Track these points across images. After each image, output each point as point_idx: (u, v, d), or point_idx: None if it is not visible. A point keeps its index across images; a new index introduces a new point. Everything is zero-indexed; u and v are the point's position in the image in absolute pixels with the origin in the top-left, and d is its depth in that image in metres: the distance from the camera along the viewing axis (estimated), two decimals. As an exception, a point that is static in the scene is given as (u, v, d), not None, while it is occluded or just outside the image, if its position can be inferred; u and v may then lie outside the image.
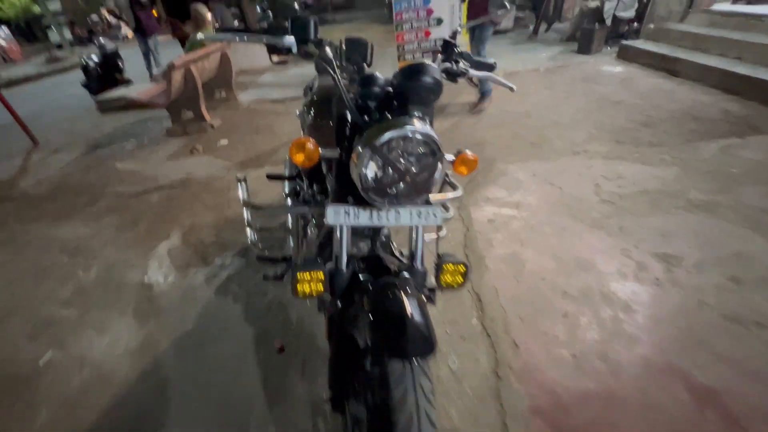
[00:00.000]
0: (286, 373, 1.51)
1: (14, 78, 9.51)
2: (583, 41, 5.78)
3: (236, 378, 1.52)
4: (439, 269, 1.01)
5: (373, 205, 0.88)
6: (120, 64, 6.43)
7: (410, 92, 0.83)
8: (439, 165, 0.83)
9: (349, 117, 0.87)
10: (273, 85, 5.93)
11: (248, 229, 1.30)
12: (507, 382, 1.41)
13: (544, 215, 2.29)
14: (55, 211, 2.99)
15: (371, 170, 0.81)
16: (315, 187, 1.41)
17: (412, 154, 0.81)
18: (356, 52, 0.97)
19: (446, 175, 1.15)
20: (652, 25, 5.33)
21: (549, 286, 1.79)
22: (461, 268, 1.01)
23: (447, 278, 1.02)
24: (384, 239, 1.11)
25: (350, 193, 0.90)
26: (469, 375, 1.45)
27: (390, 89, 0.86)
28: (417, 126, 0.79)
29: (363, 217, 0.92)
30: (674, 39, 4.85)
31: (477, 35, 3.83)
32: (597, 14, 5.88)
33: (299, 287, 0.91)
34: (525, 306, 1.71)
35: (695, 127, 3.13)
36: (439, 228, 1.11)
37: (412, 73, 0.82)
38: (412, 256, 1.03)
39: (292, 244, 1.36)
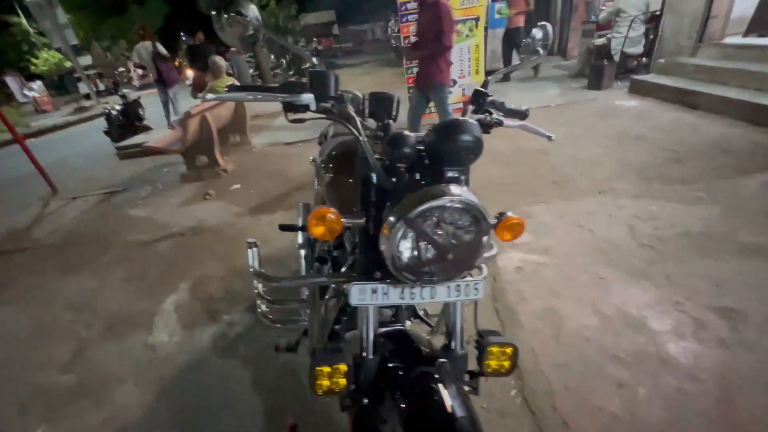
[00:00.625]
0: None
1: (43, 127, 10.02)
2: (592, 77, 5.79)
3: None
4: (482, 352, 0.85)
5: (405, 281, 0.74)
6: (140, 111, 6.70)
7: (446, 153, 0.71)
8: (485, 238, 0.70)
9: (374, 179, 0.76)
10: (287, 128, 6.04)
11: (258, 301, 1.17)
12: (561, 475, 1.18)
13: (577, 262, 2.11)
14: (65, 262, 2.93)
15: (405, 247, 0.68)
16: (334, 243, 1.28)
17: (452, 224, 0.69)
18: (380, 106, 0.87)
19: None
20: (662, 60, 5.33)
21: (595, 349, 1.58)
22: (508, 350, 0.85)
23: (492, 363, 0.86)
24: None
25: (377, 267, 0.77)
26: (515, 465, 1.22)
27: (421, 148, 0.75)
28: (457, 192, 0.66)
29: (393, 296, 0.78)
30: (688, 72, 4.80)
31: (434, 97, 3.38)
32: (604, 51, 5.94)
33: (318, 384, 0.75)
34: (570, 374, 1.49)
35: (728, 162, 2.97)
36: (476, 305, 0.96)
37: (448, 130, 0.70)
38: (449, 336, 0.87)
39: (307, 313, 1.22)
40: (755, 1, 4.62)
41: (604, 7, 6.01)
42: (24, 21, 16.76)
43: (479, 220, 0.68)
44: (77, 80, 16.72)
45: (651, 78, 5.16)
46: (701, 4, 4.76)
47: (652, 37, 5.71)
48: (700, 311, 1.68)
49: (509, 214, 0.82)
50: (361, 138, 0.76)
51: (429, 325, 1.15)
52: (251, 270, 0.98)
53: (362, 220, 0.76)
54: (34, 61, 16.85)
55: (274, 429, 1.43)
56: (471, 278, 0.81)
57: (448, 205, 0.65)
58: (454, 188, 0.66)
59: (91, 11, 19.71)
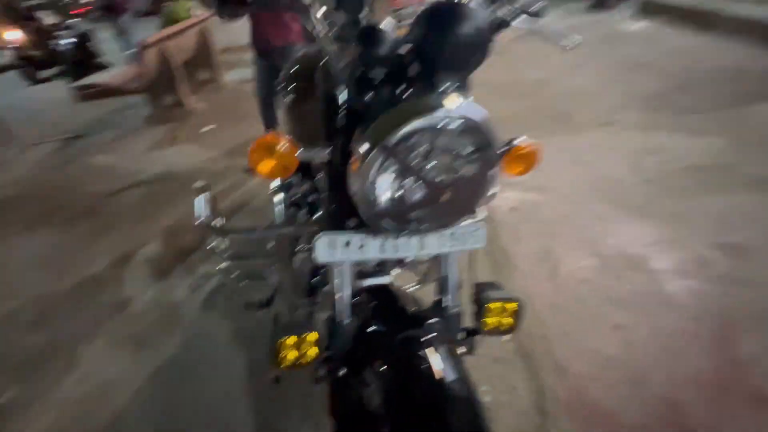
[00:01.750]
0: (287, 412, 1.25)
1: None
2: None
3: (225, 420, 1.26)
4: (480, 308, 0.72)
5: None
6: (94, 46, 5.96)
7: (438, 51, 0.50)
8: (492, 171, 0.52)
9: (341, 96, 0.55)
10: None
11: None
12: (554, 419, 1.15)
13: (576, 201, 1.98)
14: (26, 217, 2.69)
15: (384, 186, 0.50)
16: (309, 185, 1.09)
17: (448, 153, 0.50)
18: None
19: None
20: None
21: (593, 290, 1.51)
22: (510, 306, 0.72)
23: (491, 321, 0.73)
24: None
25: (351, 213, 0.59)
26: (506, 411, 1.18)
27: (404, 50, 0.53)
28: (453, 106, 0.47)
29: (370, 249, 0.62)
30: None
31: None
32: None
33: (282, 357, 0.62)
34: (566, 316, 1.43)
35: (740, 89, 2.75)
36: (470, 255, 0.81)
37: (440, 18, 0.49)
38: (440, 290, 0.73)
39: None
40: None
41: None
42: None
43: (485, 146, 0.49)
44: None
45: (662, -4, 4.67)
46: None
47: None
48: (704, 248, 1.59)
49: (520, 139, 0.63)
50: (319, 34, 0.54)
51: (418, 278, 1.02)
52: (198, 221, 0.80)
53: (326, 152, 0.57)
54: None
55: (258, 383, 1.37)
56: (468, 223, 0.65)
57: (442, 124, 0.46)
58: (449, 101, 0.47)
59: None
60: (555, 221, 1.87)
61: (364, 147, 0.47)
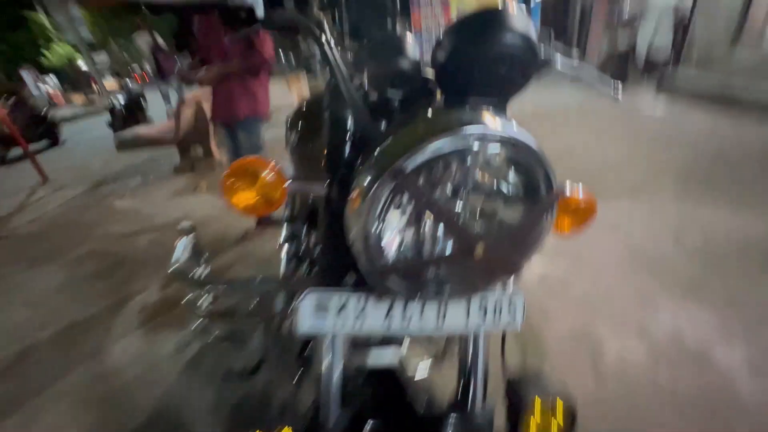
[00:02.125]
0: None
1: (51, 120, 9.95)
2: (616, 76, 5.42)
3: None
4: (518, 405, 0.53)
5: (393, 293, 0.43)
6: (143, 104, 6.53)
7: (474, 65, 0.39)
8: (546, 216, 0.38)
9: (350, 121, 0.44)
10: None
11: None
12: None
13: (614, 274, 1.76)
14: (37, 253, 2.67)
15: (392, 230, 0.36)
16: (316, 236, 0.97)
17: (486, 188, 0.37)
18: (368, 18, 0.53)
19: None
20: (696, 57, 4.95)
21: (647, 386, 1.24)
22: (561, 405, 0.53)
23: (534, 422, 0.53)
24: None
25: (351, 266, 0.46)
26: None
27: (428, 71, 0.43)
28: (494, 125, 0.35)
29: (371, 318, 0.46)
30: (724, 72, 4.41)
31: (242, 136, 2.19)
32: (628, 53, 5.56)
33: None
34: (618, 418, 1.15)
35: (778, 166, 2.60)
36: (503, 338, 0.64)
37: (479, 26, 0.39)
38: (465, 383, 0.55)
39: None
40: None
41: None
42: (41, 15, 16.97)
43: (537, 183, 0.36)
44: (91, 79, 16.89)
45: (682, 76, 4.78)
46: (737, 2, 4.39)
47: (681, 35, 5.32)
48: (780, 342, 1.32)
49: (572, 188, 0.50)
50: (329, 53, 0.45)
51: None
52: (172, 268, 0.68)
53: (323, 185, 0.45)
54: (46, 53, 17.04)
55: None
56: (501, 292, 0.49)
57: (477, 146, 0.34)
58: (487, 117, 0.35)
59: (108, 10, 19.96)
60: (592, 296, 1.65)
61: (369, 175, 0.35)
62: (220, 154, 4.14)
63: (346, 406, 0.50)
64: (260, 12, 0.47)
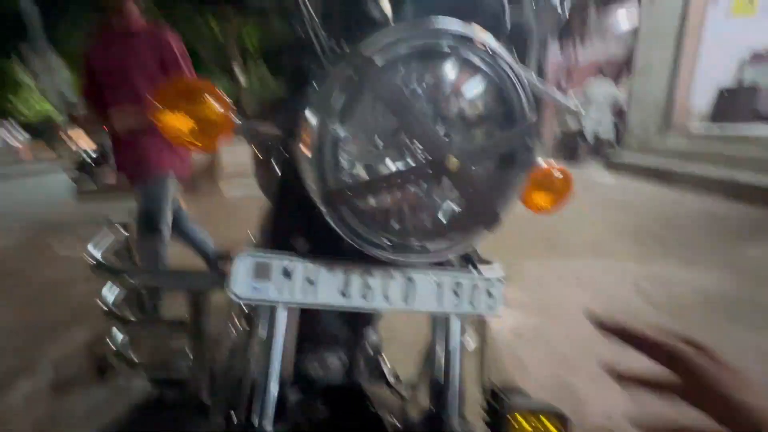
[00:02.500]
0: None
1: (10, 173, 9.50)
2: (567, 152, 6.00)
3: None
4: (499, 422, 0.43)
5: (348, 256, 0.36)
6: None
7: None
8: (530, 151, 0.34)
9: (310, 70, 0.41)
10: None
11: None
12: None
13: (588, 326, 1.71)
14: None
15: (352, 137, 0.31)
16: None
17: (456, 109, 0.33)
18: (352, 4, 0.53)
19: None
20: (634, 143, 5.61)
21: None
22: (549, 420, 0.43)
23: None
24: (368, 346, 0.54)
25: (300, 227, 0.38)
26: None
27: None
28: (477, 32, 0.32)
29: (326, 290, 0.38)
30: (660, 153, 5.00)
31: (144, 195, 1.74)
32: (577, 133, 6.25)
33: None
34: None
35: (721, 229, 2.81)
36: (482, 322, 0.56)
37: None
38: (437, 391, 0.45)
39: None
40: (710, 94, 5.00)
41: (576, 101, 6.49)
42: (19, 70, 17.10)
43: (512, 109, 0.33)
44: (65, 132, 16.72)
45: (627, 158, 5.35)
46: (662, 95, 5.18)
47: (620, 125, 6.11)
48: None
49: (545, 161, 0.47)
50: (311, 29, 0.42)
51: (400, 395, 0.70)
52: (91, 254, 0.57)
53: (274, 126, 0.39)
54: (22, 109, 16.91)
55: None
56: (477, 274, 0.43)
57: (453, 45, 0.31)
58: (474, 29, 0.32)
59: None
60: (569, 348, 1.57)
61: (325, 75, 0.31)
62: (187, 204, 4.00)
63: (286, 416, 0.38)
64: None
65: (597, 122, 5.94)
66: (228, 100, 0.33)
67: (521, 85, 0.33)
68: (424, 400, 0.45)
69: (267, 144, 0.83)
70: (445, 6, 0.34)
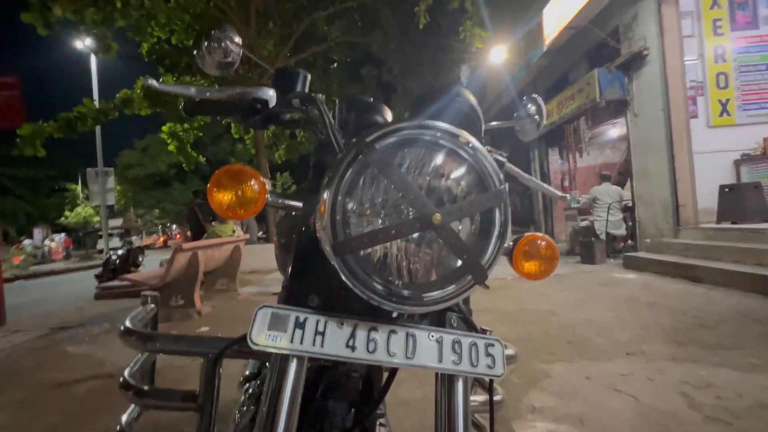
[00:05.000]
0: None
1: (39, 271, 9.96)
2: (585, 253, 5.97)
3: None
4: None
5: (356, 313, 0.41)
6: (140, 258, 6.72)
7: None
8: (504, 213, 0.41)
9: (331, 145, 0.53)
10: (279, 280, 5.87)
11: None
12: None
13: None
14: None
15: (357, 207, 0.39)
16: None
17: (441, 181, 0.41)
18: (362, 117, 0.68)
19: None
20: (648, 240, 5.60)
21: None
22: None
23: None
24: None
25: (313, 289, 0.44)
26: None
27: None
28: (455, 132, 0.43)
29: (333, 342, 0.42)
30: (677, 250, 4.93)
31: None
32: (590, 231, 6.33)
33: None
34: None
35: (759, 330, 2.60)
36: (490, 384, 0.54)
37: (428, 97, 0.52)
38: None
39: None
40: (713, 193, 5.12)
41: (580, 198, 6.79)
42: (79, 188, 19.42)
43: (486, 176, 0.41)
44: (99, 237, 17.95)
45: (643, 254, 5.28)
46: (668, 195, 5.36)
47: (631, 223, 6.20)
48: None
49: (534, 234, 0.54)
50: (331, 130, 0.56)
51: None
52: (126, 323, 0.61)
53: (299, 200, 0.48)
54: (67, 213, 18.61)
55: None
56: (479, 336, 0.46)
57: (433, 139, 0.40)
58: (457, 132, 0.43)
59: (139, 184, 23.21)
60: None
61: (344, 154, 0.40)
62: (201, 305, 4.04)
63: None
64: (272, 103, 0.61)
65: (605, 223, 6.06)
66: (265, 180, 0.43)
67: (487, 160, 0.42)
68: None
69: (290, 215, 0.94)
70: (434, 115, 0.46)
